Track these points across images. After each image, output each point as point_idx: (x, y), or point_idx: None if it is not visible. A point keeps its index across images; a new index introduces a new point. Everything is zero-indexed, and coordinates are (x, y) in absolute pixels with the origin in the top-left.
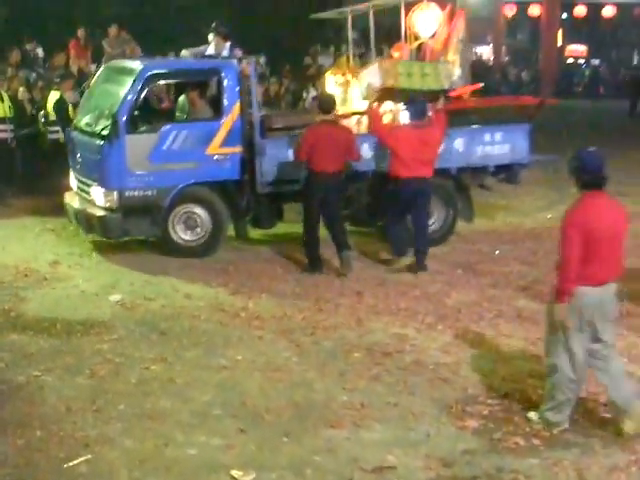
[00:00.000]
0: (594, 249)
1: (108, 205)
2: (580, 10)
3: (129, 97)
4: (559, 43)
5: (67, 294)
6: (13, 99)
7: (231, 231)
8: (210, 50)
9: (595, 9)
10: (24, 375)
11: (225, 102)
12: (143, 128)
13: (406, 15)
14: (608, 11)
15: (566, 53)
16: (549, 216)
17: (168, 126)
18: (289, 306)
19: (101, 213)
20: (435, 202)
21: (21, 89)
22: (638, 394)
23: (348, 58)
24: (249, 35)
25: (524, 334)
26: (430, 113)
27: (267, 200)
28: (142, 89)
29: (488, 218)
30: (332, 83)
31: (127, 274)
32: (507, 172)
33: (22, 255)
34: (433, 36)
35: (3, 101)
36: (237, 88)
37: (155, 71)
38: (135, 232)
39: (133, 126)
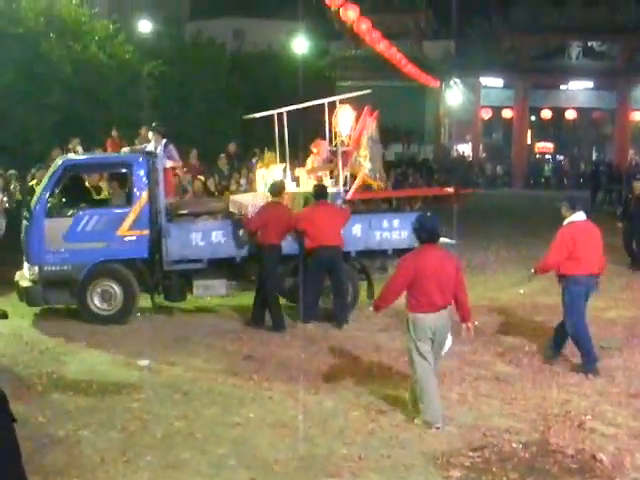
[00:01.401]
0: (423, 285)
1: (32, 278)
2: (546, 113)
3: (48, 185)
4: (528, 141)
5: (101, 359)
6: None
7: (233, 302)
8: (150, 147)
9: (559, 112)
10: (63, 429)
11: (134, 190)
12: (59, 212)
13: (330, 115)
14: (570, 114)
15: (536, 149)
16: (521, 291)
17: (81, 211)
18: (295, 370)
19: (26, 284)
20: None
21: None
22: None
23: (275, 154)
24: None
25: (501, 394)
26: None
27: (175, 276)
28: (60, 179)
29: (468, 292)
30: (259, 175)
31: (153, 341)
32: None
33: (62, 323)
34: (349, 134)
35: None
36: (145, 179)
37: (72, 164)
38: (55, 301)
39: (51, 211)
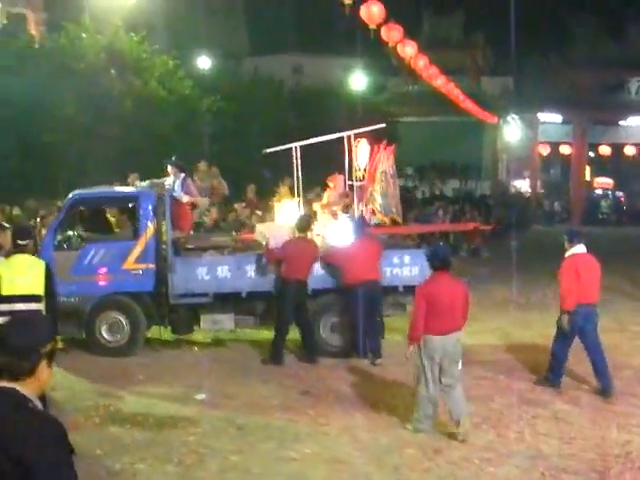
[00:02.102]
0: (435, 309)
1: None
2: (605, 149)
3: (57, 219)
4: (587, 177)
5: (158, 392)
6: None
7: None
8: (169, 181)
9: (618, 148)
10: (120, 463)
11: (141, 224)
12: (68, 245)
13: (349, 149)
14: (629, 150)
15: (595, 185)
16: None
17: (89, 244)
18: (351, 406)
19: None
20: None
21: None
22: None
23: (292, 188)
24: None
25: (559, 434)
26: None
27: (182, 309)
28: (68, 212)
29: (526, 329)
30: (278, 209)
31: (209, 375)
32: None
33: (118, 357)
34: (365, 169)
35: None
36: (152, 213)
37: (81, 197)
38: (63, 332)
39: (59, 243)
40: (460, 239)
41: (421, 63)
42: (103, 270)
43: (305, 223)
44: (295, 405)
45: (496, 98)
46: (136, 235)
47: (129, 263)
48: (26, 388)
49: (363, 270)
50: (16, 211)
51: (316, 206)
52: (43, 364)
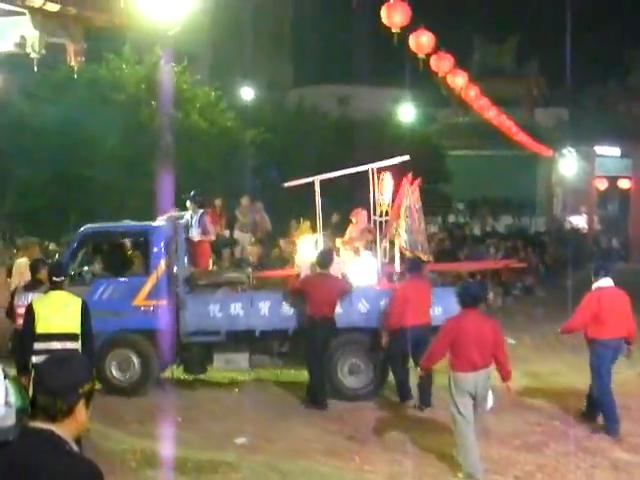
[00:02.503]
0: (464, 346)
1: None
2: None
3: (67, 254)
4: None
5: (196, 435)
6: None
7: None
8: (187, 216)
9: None
10: None
11: (152, 260)
12: (77, 280)
13: (374, 183)
14: None
15: None
16: None
17: (99, 280)
18: (398, 452)
19: None
20: (362, 357)
21: None
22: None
23: (314, 224)
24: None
25: None
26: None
27: (195, 348)
28: (79, 247)
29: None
30: (299, 244)
31: (250, 418)
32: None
33: (157, 397)
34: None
35: None
36: (163, 248)
37: (91, 231)
38: None
39: (70, 279)
40: (513, 277)
41: (472, 94)
42: (113, 306)
43: (326, 258)
44: (340, 450)
45: (551, 130)
46: (147, 271)
47: (140, 299)
48: (63, 429)
49: (415, 313)
50: (52, 246)
51: (338, 242)
52: (81, 405)
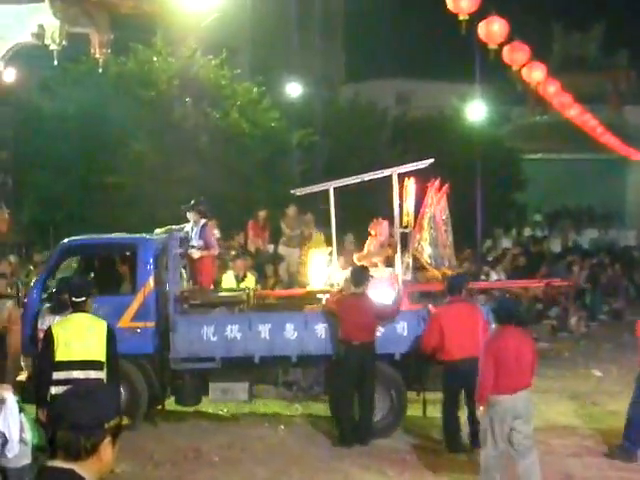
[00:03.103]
0: (502, 366)
1: (28, 372)
2: None
3: (46, 269)
4: None
5: (237, 478)
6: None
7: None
8: (187, 227)
9: None
10: None
11: (139, 277)
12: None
13: (400, 188)
14: None
15: None
16: None
17: None
18: None
19: (21, 377)
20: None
21: None
22: None
23: (330, 236)
24: None
25: None
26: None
27: (187, 375)
28: (58, 262)
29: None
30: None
31: (298, 460)
32: None
33: (194, 433)
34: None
35: (245, 281)
36: (152, 263)
37: (72, 245)
38: None
39: (49, 297)
40: (598, 300)
41: (551, 89)
42: None
43: (361, 277)
44: None
45: None
46: (134, 289)
47: (125, 321)
48: (86, 469)
49: (464, 344)
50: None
51: (354, 257)
52: (106, 442)
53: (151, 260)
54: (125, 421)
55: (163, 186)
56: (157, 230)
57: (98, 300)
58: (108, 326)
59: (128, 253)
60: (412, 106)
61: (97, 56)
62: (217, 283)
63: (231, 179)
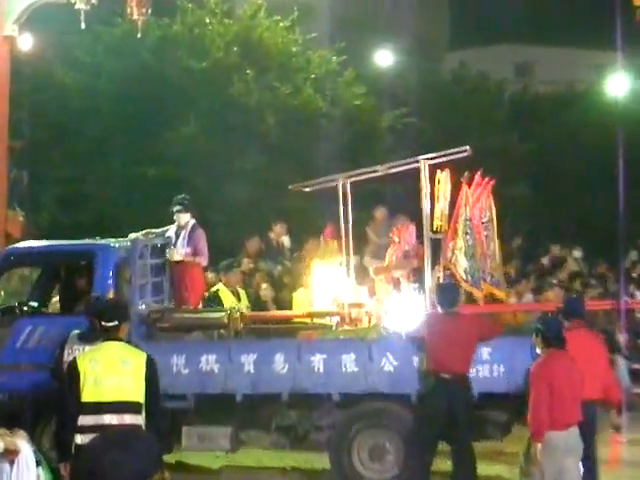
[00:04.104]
0: (553, 398)
1: None
2: None
3: None
4: None
5: None
6: (251, 297)
7: None
8: (170, 232)
9: None
10: None
11: (95, 292)
12: None
13: (433, 184)
14: None
15: None
16: None
17: (21, 319)
18: None
19: None
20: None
21: (264, 286)
22: None
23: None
24: None
25: None
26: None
27: None
28: (0, 274)
29: None
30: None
31: None
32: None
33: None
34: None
35: (240, 300)
36: (111, 277)
37: (17, 253)
38: None
39: None
40: None
41: None
42: (40, 356)
43: (453, 293)
44: None
45: None
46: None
47: None
48: None
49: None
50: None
51: (371, 270)
52: None
53: (110, 273)
54: (168, 476)
55: (218, 180)
56: (132, 235)
57: (44, 321)
58: (149, 358)
59: (83, 263)
60: (535, 79)
61: (135, 17)
62: (212, 299)
63: (304, 169)
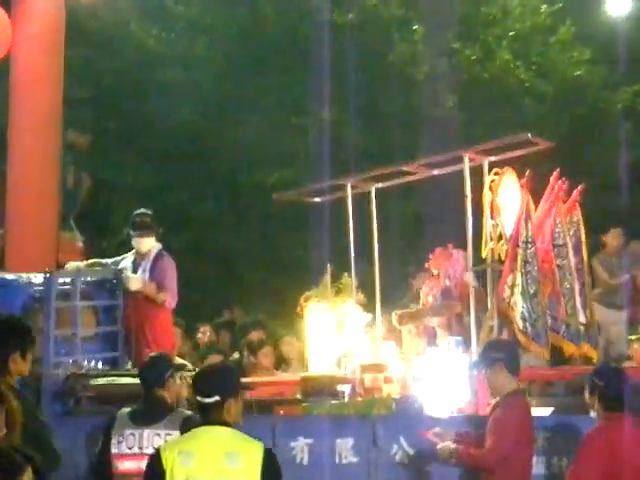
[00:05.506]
0: (614, 475)
1: None
2: None
3: None
4: None
5: None
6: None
7: None
8: (126, 261)
9: None
10: None
11: None
12: None
13: (481, 194)
14: None
15: None
16: None
17: None
18: None
19: None
20: None
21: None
22: None
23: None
24: None
25: None
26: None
27: None
28: None
29: None
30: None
31: None
32: None
33: None
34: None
35: None
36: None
37: None
38: None
39: None
40: None
41: None
42: None
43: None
44: None
45: None
46: None
47: None
48: None
49: None
50: (208, 334)
51: (394, 317)
52: None
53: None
54: None
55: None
56: (70, 265)
57: None
58: (267, 452)
59: None
60: None
61: None
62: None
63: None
